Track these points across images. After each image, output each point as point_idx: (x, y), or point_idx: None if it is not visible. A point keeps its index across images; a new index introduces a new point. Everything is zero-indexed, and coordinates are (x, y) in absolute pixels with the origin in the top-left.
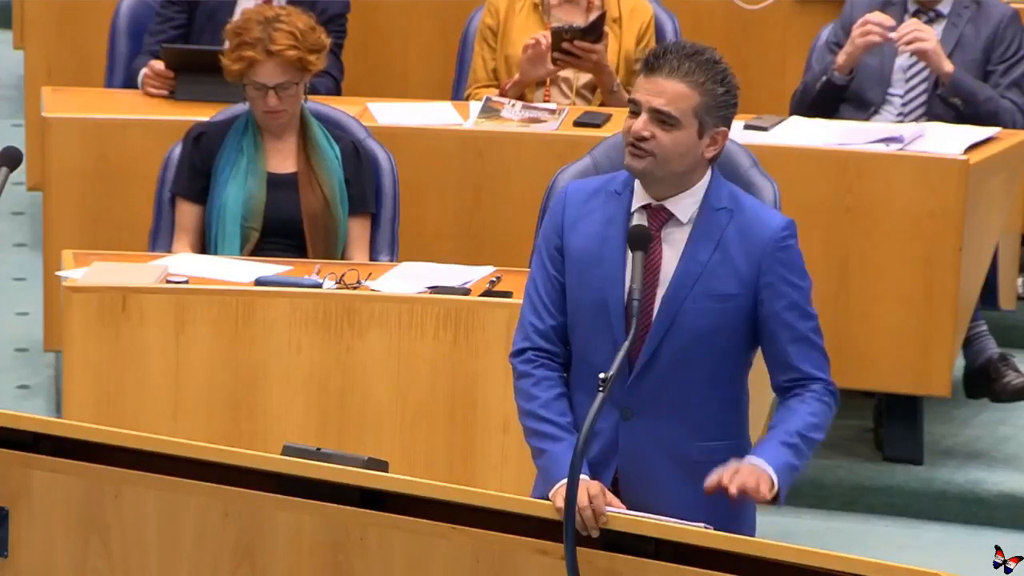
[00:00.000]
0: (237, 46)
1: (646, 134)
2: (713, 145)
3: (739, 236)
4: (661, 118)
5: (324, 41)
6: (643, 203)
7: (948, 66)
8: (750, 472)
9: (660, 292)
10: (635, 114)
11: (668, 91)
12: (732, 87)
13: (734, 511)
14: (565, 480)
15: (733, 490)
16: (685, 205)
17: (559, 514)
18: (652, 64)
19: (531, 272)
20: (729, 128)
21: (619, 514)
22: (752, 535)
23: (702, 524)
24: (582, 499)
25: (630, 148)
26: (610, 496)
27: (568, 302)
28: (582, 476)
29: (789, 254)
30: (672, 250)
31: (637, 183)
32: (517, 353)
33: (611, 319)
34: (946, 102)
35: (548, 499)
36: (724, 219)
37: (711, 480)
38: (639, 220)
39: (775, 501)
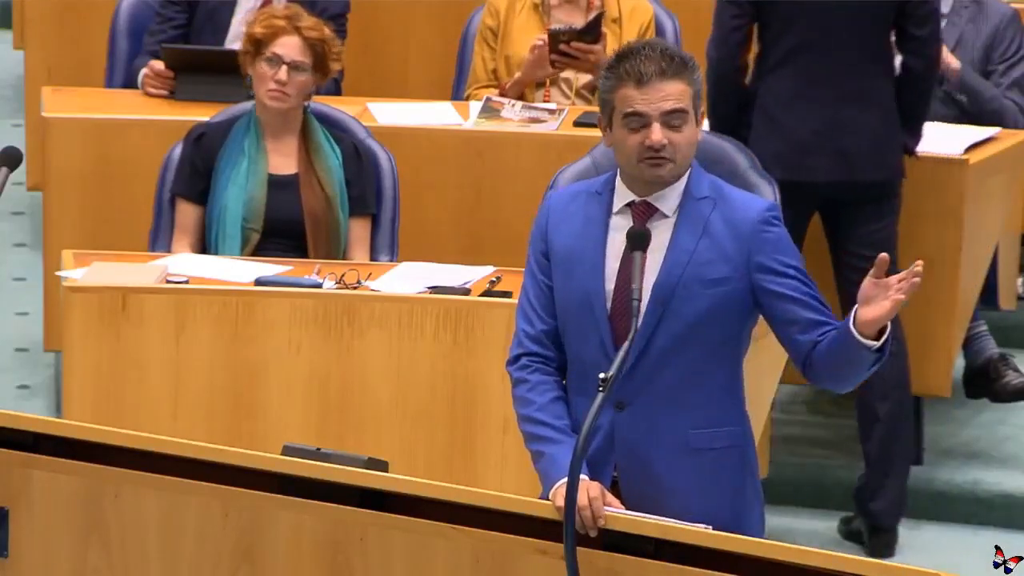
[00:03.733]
0: (265, 18)
1: (665, 142)
2: (700, 127)
3: (724, 222)
4: (672, 119)
5: (340, 52)
6: (627, 201)
7: (955, 63)
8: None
9: (649, 284)
10: (637, 128)
11: (671, 91)
12: (698, 67)
13: (735, 503)
14: (565, 480)
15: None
16: (670, 198)
17: (559, 514)
18: (642, 75)
19: (523, 282)
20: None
21: (619, 514)
22: (761, 527)
23: (703, 524)
24: (582, 499)
25: (649, 161)
26: (610, 497)
27: (556, 305)
28: (582, 476)
29: (778, 234)
30: (658, 242)
31: (619, 182)
32: (512, 361)
33: (596, 317)
34: (952, 98)
35: (548, 499)
36: (707, 208)
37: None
38: (623, 219)
39: (880, 351)
